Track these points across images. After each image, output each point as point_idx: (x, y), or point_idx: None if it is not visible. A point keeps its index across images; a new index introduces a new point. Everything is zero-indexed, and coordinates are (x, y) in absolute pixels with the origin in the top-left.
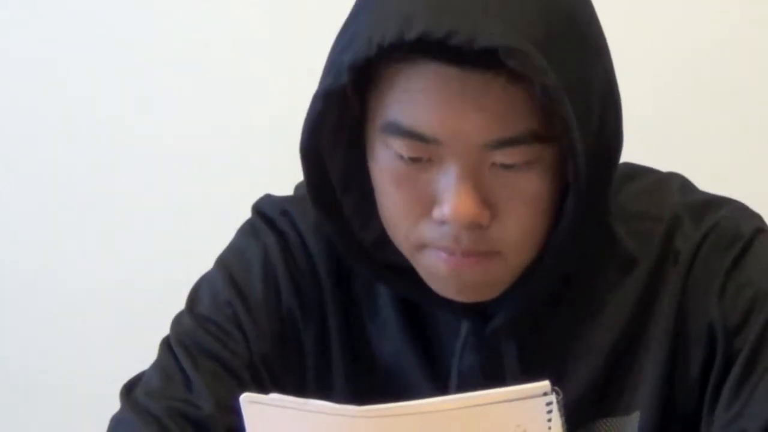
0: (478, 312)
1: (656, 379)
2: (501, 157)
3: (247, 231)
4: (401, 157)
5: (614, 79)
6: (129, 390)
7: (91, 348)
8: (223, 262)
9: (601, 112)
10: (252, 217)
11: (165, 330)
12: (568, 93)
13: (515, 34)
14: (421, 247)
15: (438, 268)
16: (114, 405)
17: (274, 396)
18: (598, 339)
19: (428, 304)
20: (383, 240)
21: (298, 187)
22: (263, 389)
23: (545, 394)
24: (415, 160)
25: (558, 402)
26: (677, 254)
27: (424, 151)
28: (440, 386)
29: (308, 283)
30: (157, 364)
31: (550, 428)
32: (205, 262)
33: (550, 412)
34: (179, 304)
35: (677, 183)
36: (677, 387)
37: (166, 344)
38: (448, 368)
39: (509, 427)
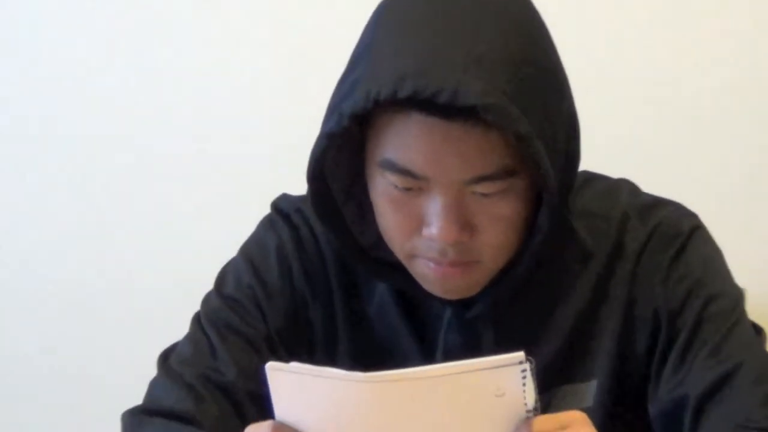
0: (459, 300)
1: (610, 353)
2: (479, 188)
3: (266, 224)
4: (396, 186)
5: (575, 110)
6: (165, 358)
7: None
8: (245, 250)
9: (566, 142)
10: (271, 212)
11: (178, 325)
12: (539, 134)
13: (491, 89)
14: (413, 256)
15: (427, 275)
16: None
17: (294, 364)
18: (561, 319)
19: (418, 294)
20: (379, 241)
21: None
22: (279, 359)
23: (520, 362)
24: (407, 189)
25: (531, 369)
26: (627, 248)
27: (415, 183)
28: (428, 359)
29: (317, 269)
30: (189, 337)
31: (524, 391)
32: (217, 261)
33: (524, 378)
34: (190, 298)
35: (626, 187)
36: (628, 359)
37: (197, 320)
38: (435, 344)
39: (490, 390)
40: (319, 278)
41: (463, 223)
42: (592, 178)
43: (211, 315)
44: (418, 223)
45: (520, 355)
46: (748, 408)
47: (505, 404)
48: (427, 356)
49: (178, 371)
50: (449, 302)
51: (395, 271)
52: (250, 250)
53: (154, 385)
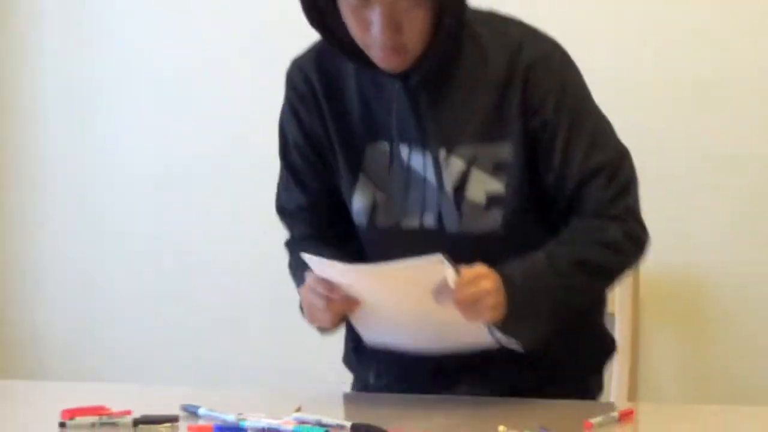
0: (405, 76)
1: (516, 125)
2: (404, 4)
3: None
4: (353, 6)
5: None
6: (281, 210)
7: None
8: (279, 118)
9: None
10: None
11: None
12: None
13: None
14: (368, 46)
15: (377, 56)
16: None
17: (321, 258)
18: (475, 99)
19: (379, 74)
20: (352, 39)
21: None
22: (316, 171)
23: (443, 261)
24: (360, 7)
25: (449, 262)
26: (520, 63)
27: (365, 3)
28: (389, 113)
29: (310, 100)
30: (278, 184)
31: (448, 273)
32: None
33: (447, 265)
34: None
35: (512, 18)
36: (527, 132)
37: (280, 170)
38: (391, 104)
39: (430, 273)
40: (311, 104)
41: (395, 26)
42: (480, 7)
43: (285, 162)
44: (369, 27)
45: (440, 256)
46: (605, 201)
47: (437, 279)
48: (387, 113)
49: (284, 206)
50: (397, 77)
51: (361, 56)
52: (280, 116)
53: (285, 226)
